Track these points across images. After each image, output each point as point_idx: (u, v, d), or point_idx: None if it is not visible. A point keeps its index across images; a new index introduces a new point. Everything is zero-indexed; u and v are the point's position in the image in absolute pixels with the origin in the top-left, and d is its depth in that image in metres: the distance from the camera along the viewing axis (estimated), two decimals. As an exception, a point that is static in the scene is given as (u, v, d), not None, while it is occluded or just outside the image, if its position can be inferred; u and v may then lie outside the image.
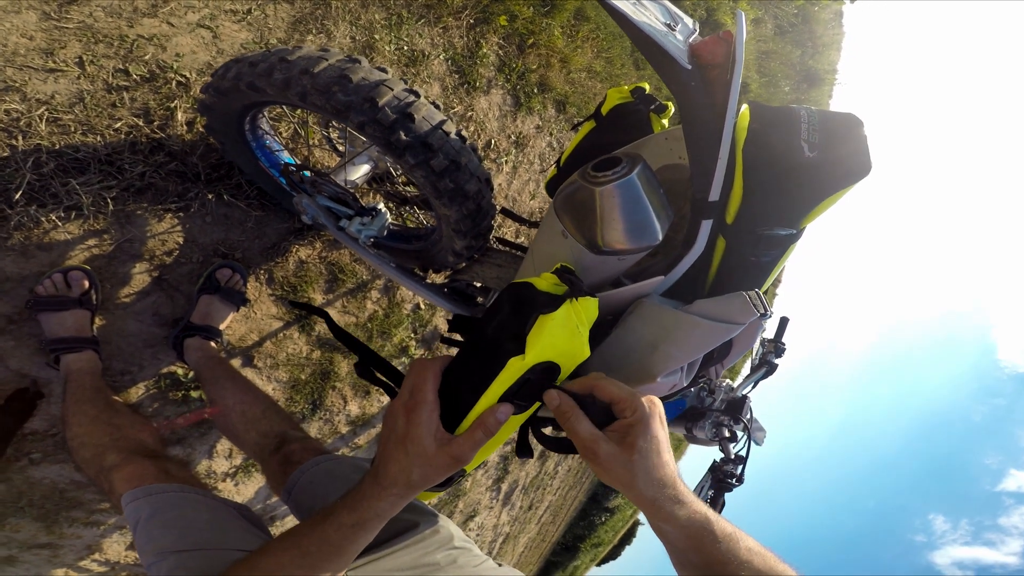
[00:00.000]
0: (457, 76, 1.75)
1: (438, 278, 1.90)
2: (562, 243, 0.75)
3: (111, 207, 1.15)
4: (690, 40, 0.67)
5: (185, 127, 1.19)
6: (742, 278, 0.82)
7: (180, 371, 1.54)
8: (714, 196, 0.69)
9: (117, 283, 1.32)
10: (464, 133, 1.02)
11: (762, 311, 0.70)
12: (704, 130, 0.67)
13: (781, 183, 0.67)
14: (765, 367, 1.54)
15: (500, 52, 1.92)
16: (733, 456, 1.31)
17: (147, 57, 1.15)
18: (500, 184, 2.16)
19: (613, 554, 18.95)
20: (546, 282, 0.67)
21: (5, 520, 1.39)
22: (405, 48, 1.54)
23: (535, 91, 2.12)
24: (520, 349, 0.57)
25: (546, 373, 0.60)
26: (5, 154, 0.97)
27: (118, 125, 1.09)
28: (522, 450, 0.85)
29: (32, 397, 1.27)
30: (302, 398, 1.92)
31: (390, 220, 1.36)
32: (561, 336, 0.59)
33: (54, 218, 1.09)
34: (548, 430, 0.88)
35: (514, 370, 0.57)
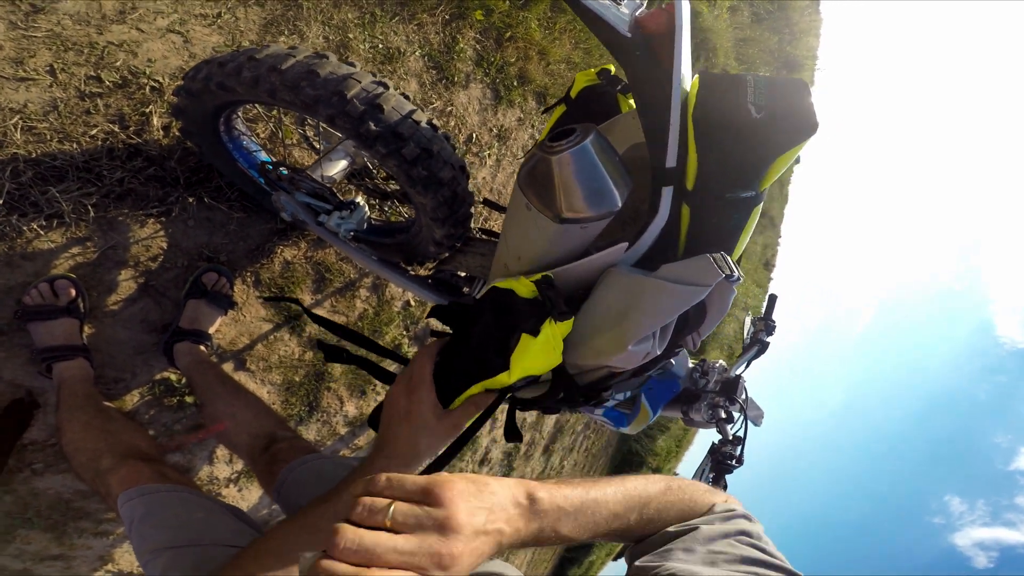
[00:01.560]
0: (435, 72, 1.76)
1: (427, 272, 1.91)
2: (527, 216, 0.77)
3: (92, 214, 1.17)
4: (637, 13, 0.69)
5: (161, 132, 1.20)
6: (711, 243, 0.83)
7: (173, 377, 1.56)
8: (670, 162, 0.71)
9: (104, 291, 1.33)
10: (436, 122, 1.03)
11: (728, 272, 0.71)
12: (653, 98, 0.69)
13: (732, 145, 0.69)
14: (757, 346, 1.55)
15: (477, 47, 1.94)
16: (731, 437, 1.30)
17: (118, 63, 1.15)
18: (484, 177, 2.17)
19: (628, 548, 19.14)
20: (526, 288, 0.75)
21: (15, 532, 1.40)
22: (380, 46, 1.55)
23: (515, 84, 2.14)
24: (506, 365, 0.71)
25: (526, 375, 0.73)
26: (-18, 164, 0.98)
27: (94, 132, 1.10)
28: (510, 435, 0.88)
29: (28, 407, 1.29)
30: (298, 400, 1.93)
31: (369, 214, 1.38)
32: (541, 356, 0.72)
33: (36, 227, 1.11)
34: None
35: (500, 381, 0.71)
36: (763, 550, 0.52)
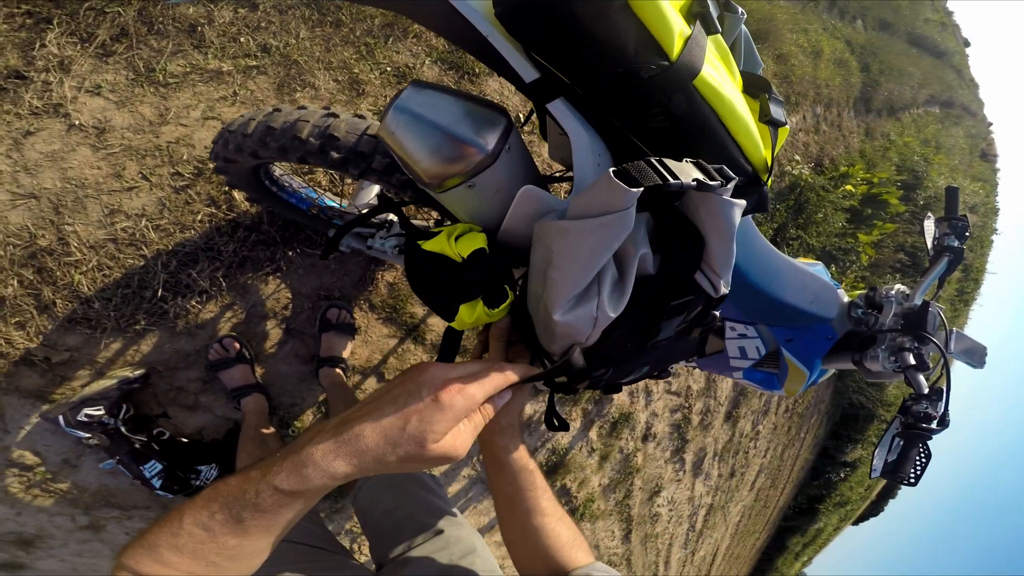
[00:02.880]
0: (454, 72, 1.85)
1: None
2: (433, 194, 0.73)
3: (225, 284, 1.54)
4: None
5: (247, 203, 1.53)
6: (685, 146, 0.65)
7: (332, 397, 1.91)
8: (528, 76, 0.61)
9: (260, 339, 1.73)
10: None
11: (655, 181, 0.52)
12: (451, 25, 0.60)
13: (550, 23, 0.57)
14: (947, 255, 1.14)
15: (490, 31, 1.96)
16: (927, 390, 0.97)
17: (185, 157, 1.39)
18: (544, 156, 2.16)
19: (874, 510, 16.18)
20: (457, 256, 0.70)
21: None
22: (388, 69, 1.71)
23: (545, 49, 2.09)
24: (452, 318, 0.74)
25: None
26: (142, 263, 1.40)
27: (200, 217, 1.46)
28: (551, 422, 0.81)
29: (238, 433, 1.74)
30: (438, 401, 2.16)
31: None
32: (479, 322, 0.74)
33: (195, 303, 1.52)
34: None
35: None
36: None
